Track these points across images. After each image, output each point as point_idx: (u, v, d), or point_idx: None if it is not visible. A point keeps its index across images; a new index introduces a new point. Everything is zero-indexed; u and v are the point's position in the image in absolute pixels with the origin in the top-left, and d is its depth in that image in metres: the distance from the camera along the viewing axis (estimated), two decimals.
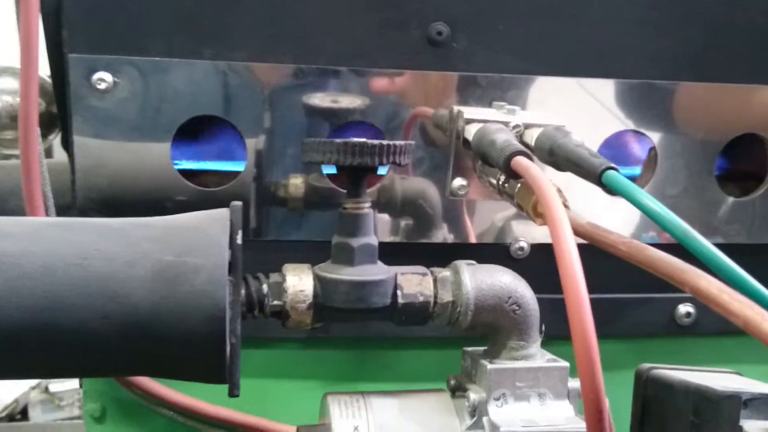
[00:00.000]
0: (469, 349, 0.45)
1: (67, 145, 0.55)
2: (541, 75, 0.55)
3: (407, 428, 0.40)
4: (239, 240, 0.38)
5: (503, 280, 0.42)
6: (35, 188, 0.49)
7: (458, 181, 0.56)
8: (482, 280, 0.42)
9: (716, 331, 0.60)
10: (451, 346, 0.60)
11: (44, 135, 0.57)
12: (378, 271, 0.41)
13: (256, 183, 0.55)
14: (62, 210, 0.55)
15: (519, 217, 0.58)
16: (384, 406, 0.41)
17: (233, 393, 0.38)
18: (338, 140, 0.39)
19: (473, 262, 0.44)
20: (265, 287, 0.40)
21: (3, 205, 0.57)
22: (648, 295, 0.61)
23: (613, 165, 0.43)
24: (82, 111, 0.51)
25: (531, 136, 0.51)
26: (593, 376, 0.31)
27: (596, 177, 0.43)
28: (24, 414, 2.23)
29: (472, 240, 0.59)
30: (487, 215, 0.59)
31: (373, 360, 0.60)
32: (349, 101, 0.55)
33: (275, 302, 0.40)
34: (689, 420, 0.42)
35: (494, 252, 0.58)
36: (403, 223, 0.58)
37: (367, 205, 0.41)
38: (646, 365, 0.46)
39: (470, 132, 0.52)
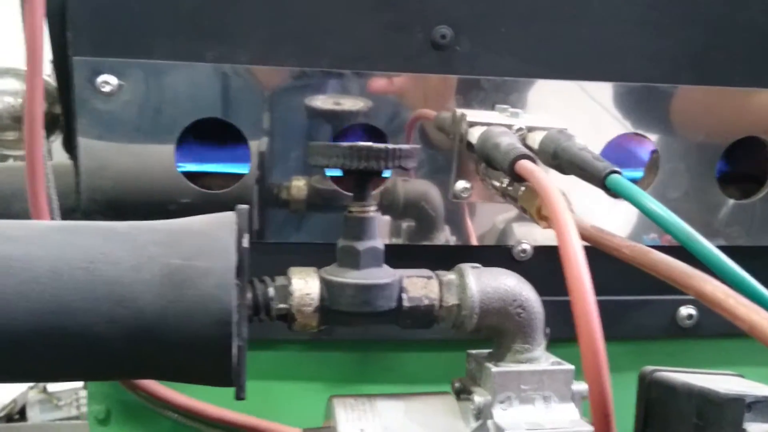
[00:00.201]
0: (474, 352, 0.46)
1: (70, 147, 0.55)
2: (543, 78, 0.55)
3: (413, 431, 0.40)
4: (246, 243, 0.38)
5: (508, 283, 0.42)
6: (40, 190, 0.49)
7: (461, 184, 0.56)
8: (487, 284, 0.42)
9: (718, 333, 0.61)
10: (455, 348, 0.60)
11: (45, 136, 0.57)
12: (383, 275, 0.41)
13: (259, 185, 0.56)
14: (66, 212, 0.55)
15: (521, 219, 0.59)
16: (389, 409, 0.41)
17: (240, 396, 0.38)
18: (344, 144, 0.39)
19: (478, 265, 0.44)
20: (271, 290, 0.40)
21: (7, 207, 0.57)
22: (649, 297, 0.61)
23: (616, 168, 0.43)
24: (86, 113, 0.51)
25: (534, 139, 0.51)
26: (600, 379, 0.32)
27: (600, 180, 0.44)
28: (22, 414, 2.23)
29: (474, 242, 0.59)
30: (489, 217, 0.59)
31: (376, 362, 0.60)
32: (351, 104, 0.55)
33: (281, 305, 0.40)
34: (693, 422, 0.42)
35: (496, 254, 0.59)
36: (404, 225, 0.59)
37: (373, 208, 0.41)
38: (650, 368, 0.46)
39: (474, 135, 0.52)
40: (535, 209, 0.46)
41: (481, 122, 0.52)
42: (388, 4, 0.53)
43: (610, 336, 0.55)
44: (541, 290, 0.46)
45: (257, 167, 0.55)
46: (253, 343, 0.45)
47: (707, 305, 0.33)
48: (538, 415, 0.41)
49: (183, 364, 0.37)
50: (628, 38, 0.55)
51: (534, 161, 0.44)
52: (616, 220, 0.60)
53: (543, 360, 0.43)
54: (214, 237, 0.38)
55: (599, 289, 0.54)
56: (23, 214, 0.52)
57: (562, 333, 0.47)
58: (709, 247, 0.37)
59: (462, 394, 0.43)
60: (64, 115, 0.55)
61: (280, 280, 0.41)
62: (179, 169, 0.54)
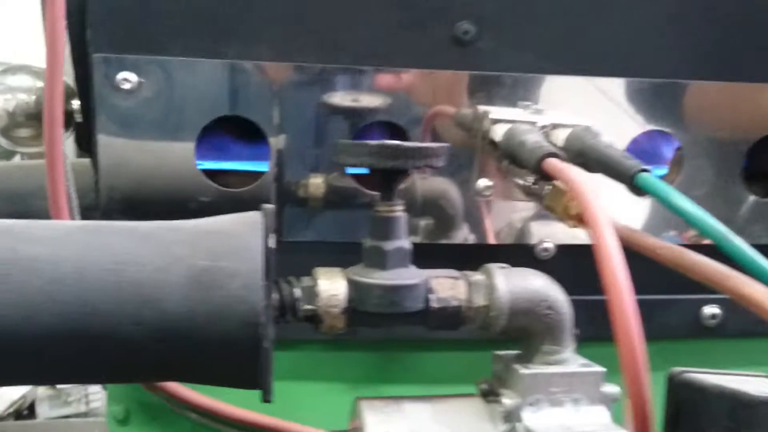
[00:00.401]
0: (500, 353, 0.45)
1: (88, 145, 0.55)
2: (566, 74, 0.54)
3: None
4: (272, 243, 0.38)
5: (537, 284, 0.42)
6: (60, 189, 0.49)
7: (483, 182, 0.55)
8: (516, 284, 0.41)
9: (742, 332, 0.60)
10: (477, 348, 0.59)
11: None
12: (411, 275, 0.40)
13: (277, 183, 0.55)
14: (84, 211, 0.55)
15: (543, 217, 0.58)
16: (417, 411, 0.40)
17: (267, 399, 0.38)
18: (372, 142, 0.39)
19: (505, 265, 0.43)
20: (297, 291, 0.40)
21: (25, 206, 0.56)
22: (673, 297, 0.60)
23: (646, 167, 0.43)
24: (106, 111, 0.50)
25: (558, 137, 0.51)
26: (640, 381, 0.31)
27: (629, 179, 0.43)
28: (31, 410, 2.23)
29: (495, 241, 0.58)
30: (511, 216, 0.58)
31: (398, 362, 0.59)
32: (369, 101, 0.55)
33: (308, 306, 0.40)
34: (724, 425, 0.41)
35: (518, 253, 0.58)
36: (423, 223, 0.58)
37: (400, 207, 0.41)
38: (678, 369, 0.45)
39: (497, 132, 0.51)
40: (562, 208, 0.45)
41: (505, 119, 0.51)
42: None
43: None
44: (564, 290, 0.45)
45: (275, 164, 0.54)
46: (273, 343, 0.44)
47: (747, 307, 0.32)
48: (568, 418, 0.40)
49: (210, 366, 0.37)
50: (652, 34, 0.55)
51: (562, 159, 0.43)
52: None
53: (572, 362, 0.42)
54: (240, 237, 0.37)
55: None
56: (42, 213, 0.51)
57: (587, 333, 0.47)
58: (745, 247, 0.36)
59: (489, 396, 0.43)
60: (82, 112, 0.55)
61: (306, 281, 0.41)
62: (198, 167, 0.53)
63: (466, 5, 0.52)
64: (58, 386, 2.22)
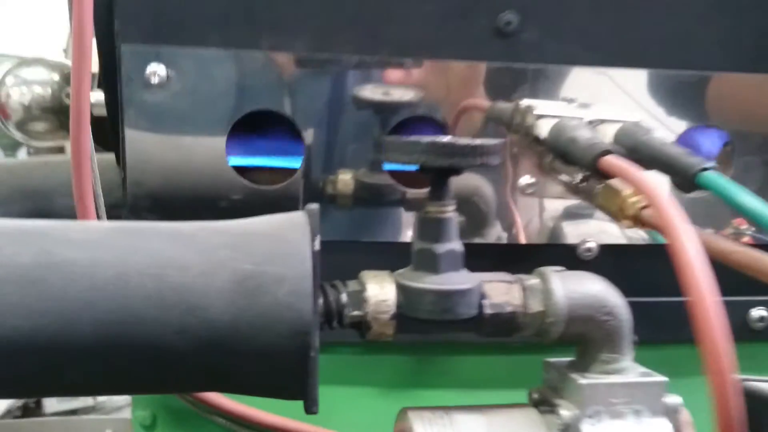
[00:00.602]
0: (552, 360, 0.43)
1: (106, 140, 0.52)
2: (613, 67, 0.52)
3: None
4: (317, 246, 0.36)
5: (595, 288, 0.40)
6: (86, 187, 0.46)
7: (525, 179, 0.53)
8: (573, 289, 0.39)
9: None
10: (513, 352, 0.57)
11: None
12: (464, 280, 0.38)
13: (304, 179, 0.53)
14: (108, 209, 0.52)
15: (585, 216, 0.56)
16: (469, 422, 0.38)
17: (312, 410, 0.36)
18: (425, 139, 0.36)
19: (560, 268, 0.41)
20: (344, 296, 0.38)
21: (49, 204, 0.54)
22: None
23: (711, 164, 0.40)
24: (134, 104, 0.48)
25: (606, 133, 0.48)
26: (726, 390, 0.29)
27: (691, 177, 0.41)
28: (38, 403, 2.21)
29: (533, 240, 0.56)
30: (551, 214, 0.56)
31: (431, 366, 0.57)
32: (400, 94, 0.52)
33: (355, 313, 0.37)
34: None
35: (559, 253, 0.56)
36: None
37: (451, 208, 0.39)
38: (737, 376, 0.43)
39: (542, 128, 0.49)
40: (617, 207, 0.43)
41: (550, 114, 0.49)
42: None
43: (677, 339, 0.52)
44: None
45: (305, 161, 0.52)
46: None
47: None
48: (630, 431, 0.38)
49: (255, 376, 0.35)
50: (705, 27, 0.52)
51: (620, 155, 0.41)
52: None
53: (631, 370, 0.40)
54: (286, 240, 0.35)
55: (666, 290, 0.51)
56: (65, 211, 0.49)
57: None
58: None
59: (542, 405, 0.41)
60: (107, 107, 0.52)
61: (352, 285, 0.38)
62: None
63: None
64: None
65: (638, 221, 0.42)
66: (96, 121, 0.62)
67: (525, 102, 0.51)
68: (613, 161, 0.39)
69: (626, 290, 0.44)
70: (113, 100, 0.50)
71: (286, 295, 0.34)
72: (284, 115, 0.50)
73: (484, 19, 0.50)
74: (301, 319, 0.34)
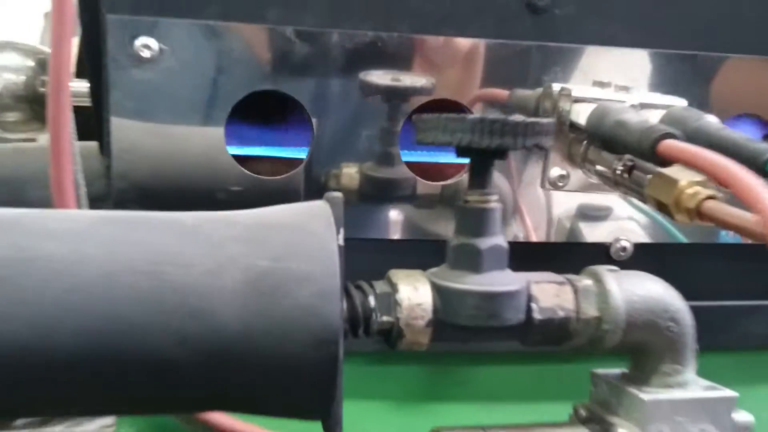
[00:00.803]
0: (601, 372, 0.38)
1: (97, 125, 0.47)
2: (655, 48, 0.47)
3: None
4: (341, 240, 0.30)
5: (656, 291, 0.35)
6: (66, 175, 0.40)
7: (557, 171, 0.48)
8: (632, 291, 0.34)
9: None
10: (535, 361, 0.52)
11: None
12: (510, 280, 0.33)
13: (306, 174, 0.48)
14: (91, 203, 0.47)
15: (618, 211, 0.51)
16: None
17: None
18: (471, 116, 0.31)
19: (615, 267, 0.36)
20: (371, 299, 0.32)
21: (20, 195, 0.48)
22: (758, 303, 0.54)
23: None
24: (121, 84, 0.43)
25: (650, 119, 0.43)
26: None
27: (760, 165, 0.36)
28: None
29: (556, 239, 0.51)
30: (580, 209, 0.51)
31: (446, 376, 0.52)
32: (411, 80, 0.47)
33: (386, 318, 0.32)
34: None
35: (590, 252, 0.51)
36: None
37: (495, 197, 0.33)
38: None
39: (579, 113, 0.44)
40: (673, 200, 0.38)
41: (589, 98, 0.44)
42: None
43: (713, 346, 0.47)
44: None
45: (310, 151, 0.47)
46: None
47: None
48: None
49: (271, 394, 0.29)
50: (753, 8, 0.48)
51: (681, 140, 0.36)
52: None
53: (693, 384, 0.35)
54: (309, 232, 0.30)
55: (701, 294, 0.47)
56: (40, 203, 0.43)
57: None
58: None
59: (591, 424, 0.36)
60: (91, 87, 0.47)
61: (381, 287, 0.33)
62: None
63: None
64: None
65: (697, 215, 0.37)
66: (75, 111, 0.57)
67: (558, 86, 0.46)
68: (679, 145, 0.35)
69: None
70: (97, 80, 0.44)
71: (310, 296, 0.28)
72: (290, 96, 0.45)
73: None
74: (328, 326, 0.28)
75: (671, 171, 0.39)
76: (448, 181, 0.49)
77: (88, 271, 0.27)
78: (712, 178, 0.32)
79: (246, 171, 0.45)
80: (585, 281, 0.35)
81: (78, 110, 0.56)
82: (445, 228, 0.50)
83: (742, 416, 0.35)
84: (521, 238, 0.51)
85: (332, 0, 0.44)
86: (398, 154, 0.48)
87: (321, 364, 0.28)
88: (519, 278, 0.33)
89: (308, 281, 0.28)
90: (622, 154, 0.41)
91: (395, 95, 0.48)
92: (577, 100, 0.44)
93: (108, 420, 0.39)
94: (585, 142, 0.46)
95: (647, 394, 0.34)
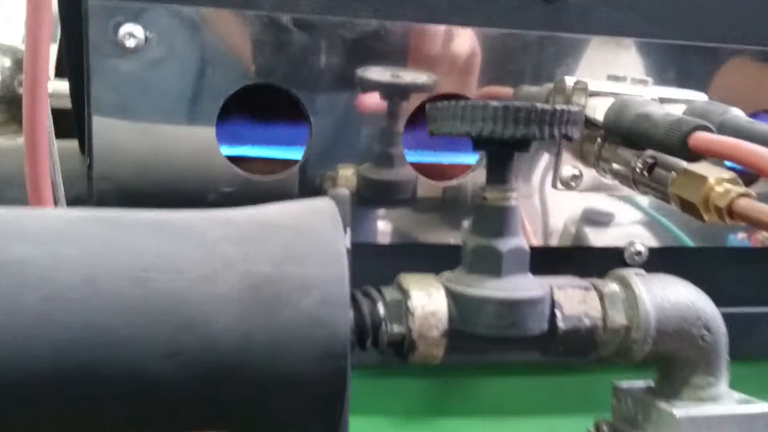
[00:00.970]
0: (625, 384, 0.35)
1: (77, 121, 0.44)
2: (673, 39, 0.45)
3: None
4: (348, 242, 0.28)
5: (688, 296, 0.32)
6: (43, 174, 0.37)
7: (568, 170, 0.45)
8: (663, 297, 0.31)
9: None
10: (545, 372, 0.49)
11: None
12: (532, 285, 0.30)
13: (300, 175, 0.45)
14: (69, 204, 0.44)
15: (632, 214, 0.48)
16: None
17: None
18: (493, 103, 0.28)
19: (641, 271, 0.33)
20: (380, 308, 0.29)
21: None
22: None
23: None
24: (104, 76, 0.39)
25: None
26: None
27: None
28: None
29: (570, 242, 0.48)
30: (587, 211, 0.48)
31: (453, 390, 0.49)
32: (412, 77, 0.45)
33: (397, 329, 0.29)
34: None
35: (603, 257, 0.48)
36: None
37: (515, 194, 0.31)
38: None
39: (596, 108, 0.41)
40: (702, 198, 0.35)
41: (606, 92, 0.42)
42: None
43: (734, 355, 0.45)
44: None
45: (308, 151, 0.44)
46: None
47: None
48: None
49: (270, 413, 0.26)
50: None
51: (712, 131, 0.34)
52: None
53: (727, 397, 0.32)
54: (313, 233, 0.27)
55: (722, 300, 0.44)
56: (18, 203, 0.40)
57: None
58: None
59: None
60: (71, 81, 0.44)
61: (390, 293, 0.30)
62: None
63: None
64: None
65: (728, 214, 0.34)
66: (55, 114, 0.54)
67: (572, 79, 0.43)
68: (713, 137, 0.32)
69: None
70: (77, 73, 0.41)
71: (316, 305, 0.25)
72: (286, 91, 0.42)
73: None
74: (335, 337, 0.25)
75: (698, 168, 0.36)
76: (451, 182, 0.47)
77: (67, 276, 0.24)
78: (757, 171, 0.30)
79: (238, 171, 0.42)
80: (611, 286, 0.32)
81: (58, 113, 0.53)
82: (446, 232, 0.47)
83: None
84: (533, 242, 0.48)
85: None
86: (398, 154, 0.45)
87: (327, 380, 0.25)
88: (542, 283, 0.31)
89: (313, 288, 0.25)
90: (645, 149, 0.38)
91: (395, 92, 0.45)
92: (592, 95, 0.42)
93: None
94: (599, 139, 0.43)
95: (679, 410, 0.31)
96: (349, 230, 0.28)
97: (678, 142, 0.33)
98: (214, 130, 0.41)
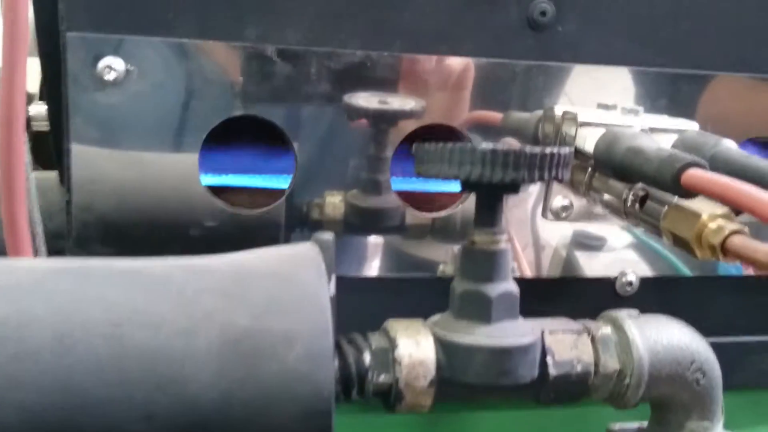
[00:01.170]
0: (617, 426, 0.34)
1: (57, 154, 0.42)
2: (663, 67, 0.44)
3: None
4: (332, 290, 0.27)
5: (681, 339, 0.31)
6: (19, 209, 0.36)
7: (559, 200, 0.45)
8: (656, 340, 0.31)
9: None
10: (535, 407, 0.48)
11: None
12: (523, 331, 0.29)
13: (287, 203, 0.44)
14: (49, 239, 0.42)
15: (623, 243, 0.47)
16: None
17: None
18: (481, 147, 0.27)
19: (634, 311, 0.32)
20: (367, 357, 0.28)
21: None
22: None
23: None
24: (83, 109, 0.38)
25: (660, 144, 0.40)
26: None
27: None
28: None
29: (560, 273, 0.47)
30: (576, 239, 0.47)
31: (444, 425, 0.48)
32: (400, 103, 0.44)
33: (383, 378, 0.28)
34: None
35: (595, 288, 0.47)
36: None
37: (504, 237, 0.30)
38: None
39: (586, 138, 0.41)
40: (695, 234, 0.35)
41: (595, 122, 0.41)
42: None
43: (727, 384, 0.44)
44: None
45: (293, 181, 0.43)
46: None
47: None
48: None
49: None
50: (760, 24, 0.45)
51: (705, 168, 0.33)
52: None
53: None
54: (295, 282, 0.26)
55: (714, 329, 0.44)
56: None
57: None
58: None
59: None
60: (49, 112, 0.43)
61: (377, 341, 0.29)
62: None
63: None
64: None
65: (721, 251, 0.34)
66: (34, 138, 0.52)
67: (560, 108, 0.43)
68: (705, 175, 0.31)
69: None
70: (56, 105, 0.40)
71: (299, 360, 0.24)
72: (270, 122, 0.41)
73: (514, 8, 0.41)
74: (319, 394, 0.24)
75: (691, 203, 0.36)
76: (440, 213, 0.46)
77: (37, 334, 0.23)
78: (750, 213, 0.29)
79: (222, 204, 0.41)
80: (604, 329, 0.31)
81: (42, 137, 0.52)
82: (436, 262, 0.46)
83: None
84: (517, 273, 0.47)
85: (317, 17, 0.40)
86: (386, 182, 0.44)
87: None
88: (531, 328, 0.30)
89: (296, 341, 0.24)
90: (636, 183, 0.38)
91: (383, 119, 0.44)
92: (582, 124, 0.41)
93: None
94: (590, 169, 0.42)
95: None
96: (333, 277, 0.27)
97: (670, 180, 0.33)
98: (197, 162, 0.41)
